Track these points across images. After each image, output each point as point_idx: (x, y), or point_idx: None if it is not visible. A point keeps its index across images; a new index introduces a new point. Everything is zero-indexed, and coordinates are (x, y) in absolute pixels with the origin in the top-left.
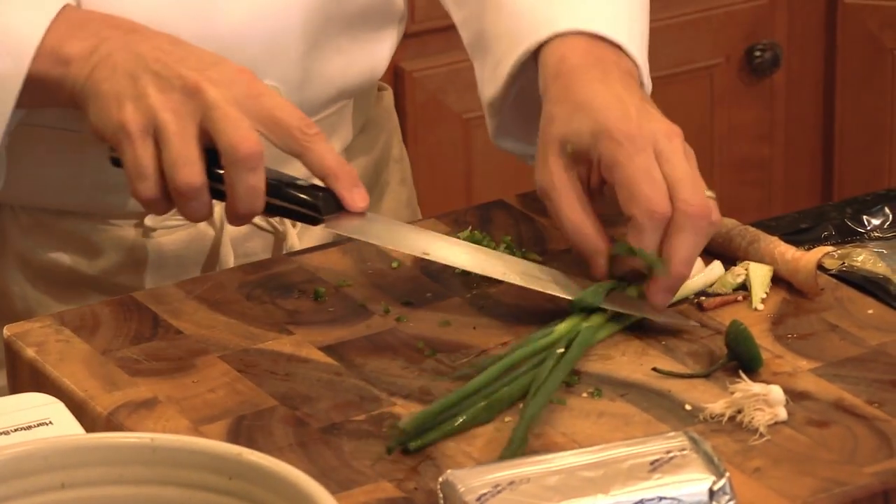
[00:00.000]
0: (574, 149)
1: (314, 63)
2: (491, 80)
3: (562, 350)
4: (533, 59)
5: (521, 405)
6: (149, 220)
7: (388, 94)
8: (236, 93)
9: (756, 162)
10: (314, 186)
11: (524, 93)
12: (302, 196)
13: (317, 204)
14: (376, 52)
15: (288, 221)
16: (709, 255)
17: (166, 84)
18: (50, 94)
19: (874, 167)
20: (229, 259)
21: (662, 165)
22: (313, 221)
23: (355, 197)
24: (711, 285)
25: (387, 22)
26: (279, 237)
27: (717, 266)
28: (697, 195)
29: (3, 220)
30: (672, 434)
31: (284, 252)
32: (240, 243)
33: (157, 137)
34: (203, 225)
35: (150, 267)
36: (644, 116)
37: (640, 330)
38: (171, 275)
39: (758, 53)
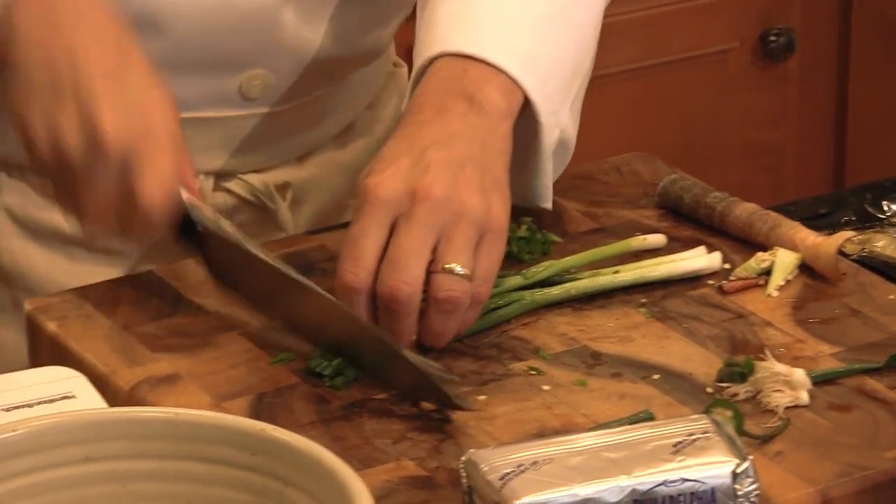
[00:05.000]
0: None
1: (306, 44)
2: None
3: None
4: None
5: None
6: None
7: (403, 72)
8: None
9: (768, 147)
10: None
11: None
12: None
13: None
14: (374, 30)
15: (278, 196)
16: (733, 240)
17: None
18: None
19: (887, 153)
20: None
21: (393, 235)
22: None
23: None
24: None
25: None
26: (269, 213)
27: (714, 257)
28: (392, 275)
29: None
30: (695, 416)
31: (277, 230)
32: (229, 217)
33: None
34: (188, 195)
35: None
36: (412, 175)
37: (661, 313)
38: (159, 240)
39: (772, 38)
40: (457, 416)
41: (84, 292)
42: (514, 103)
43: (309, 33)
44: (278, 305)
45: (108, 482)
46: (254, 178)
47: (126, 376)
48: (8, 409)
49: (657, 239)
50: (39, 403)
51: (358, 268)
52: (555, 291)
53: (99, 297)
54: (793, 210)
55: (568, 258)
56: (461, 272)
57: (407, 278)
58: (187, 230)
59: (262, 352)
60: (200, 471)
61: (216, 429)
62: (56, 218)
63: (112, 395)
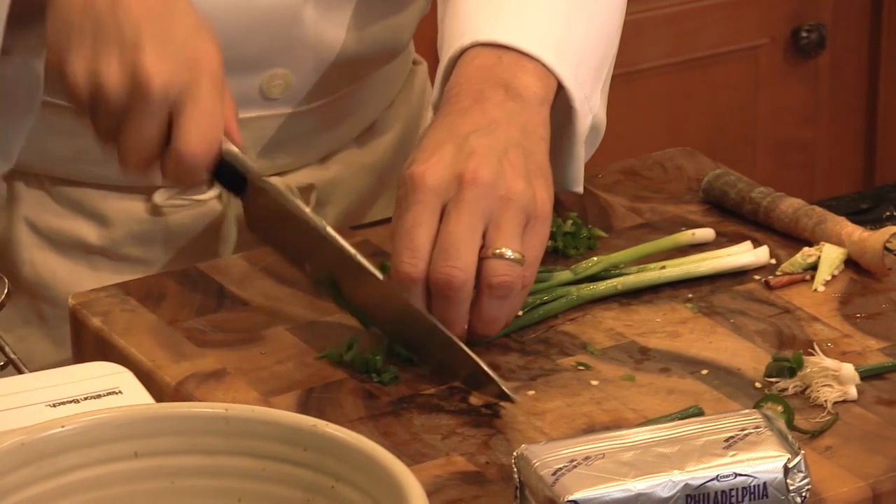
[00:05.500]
0: None
1: (327, 42)
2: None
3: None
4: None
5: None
6: (157, 197)
7: (423, 69)
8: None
9: (799, 144)
10: None
11: None
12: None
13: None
14: (395, 27)
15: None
16: (778, 235)
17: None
18: None
19: None
20: (231, 236)
21: (442, 222)
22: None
23: None
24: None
25: None
26: None
27: (762, 252)
28: (446, 262)
29: (15, 186)
30: (746, 412)
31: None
32: None
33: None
34: (213, 201)
35: (158, 240)
36: (457, 161)
37: (708, 308)
38: (181, 249)
39: (804, 34)
40: (505, 411)
41: (127, 287)
42: (549, 89)
43: (330, 31)
44: (316, 264)
45: (157, 478)
46: (277, 181)
47: (172, 372)
48: (54, 405)
49: (706, 233)
50: (86, 399)
51: (416, 258)
52: (601, 287)
53: (143, 291)
54: (834, 205)
55: (616, 253)
56: (512, 257)
57: (460, 264)
58: (227, 179)
59: (307, 347)
60: (251, 467)
61: (267, 424)
62: (76, 227)
63: (158, 390)
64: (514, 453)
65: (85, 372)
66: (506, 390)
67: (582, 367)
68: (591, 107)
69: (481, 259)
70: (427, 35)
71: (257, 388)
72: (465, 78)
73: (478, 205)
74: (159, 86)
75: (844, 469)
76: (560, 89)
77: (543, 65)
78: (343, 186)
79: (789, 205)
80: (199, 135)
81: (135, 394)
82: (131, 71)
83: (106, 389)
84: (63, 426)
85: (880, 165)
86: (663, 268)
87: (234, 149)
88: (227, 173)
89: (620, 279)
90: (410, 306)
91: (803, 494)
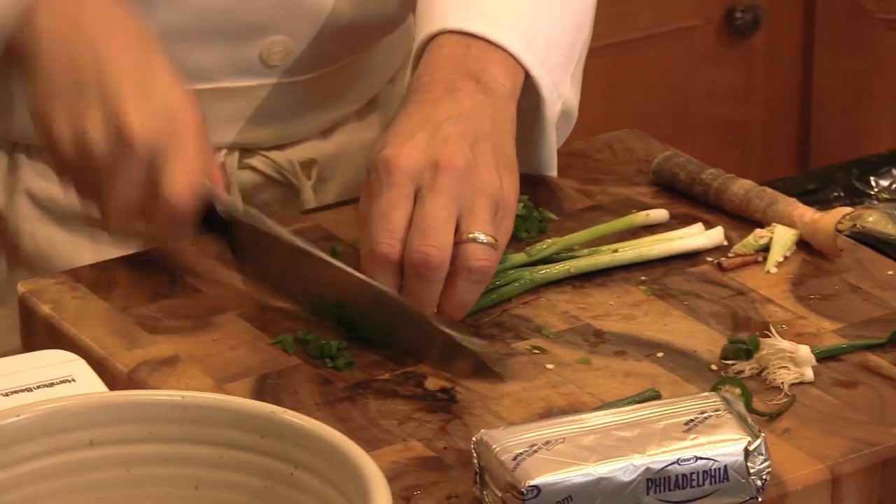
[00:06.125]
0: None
1: (325, 9)
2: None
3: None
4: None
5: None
6: None
7: None
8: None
9: (734, 124)
10: None
11: None
12: None
13: None
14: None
15: (303, 175)
16: (729, 216)
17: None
18: None
19: (852, 130)
20: (237, 204)
21: (417, 205)
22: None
23: None
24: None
25: None
26: (293, 191)
27: (716, 233)
28: (423, 241)
29: (17, 158)
30: (705, 395)
31: (301, 208)
32: (253, 194)
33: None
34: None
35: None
36: (431, 146)
37: (662, 290)
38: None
39: (738, 15)
40: (462, 395)
41: (77, 274)
42: (517, 81)
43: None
44: (300, 284)
45: (113, 467)
46: (278, 156)
47: (125, 359)
48: (7, 394)
49: (660, 214)
50: (39, 387)
51: (394, 239)
52: (554, 270)
53: (93, 278)
54: (781, 186)
55: (570, 235)
56: (487, 241)
57: (438, 244)
58: (211, 221)
59: (260, 333)
60: (208, 454)
61: (224, 411)
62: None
63: (111, 378)
64: (474, 438)
65: (37, 360)
66: (495, 368)
67: (537, 351)
68: (560, 93)
69: (457, 243)
70: None
71: (211, 374)
72: (435, 66)
73: (453, 189)
74: (143, 138)
75: (803, 451)
76: (529, 76)
77: (511, 54)
78: (345, 161)
79: (740, 186)
80: (186, 180)
81: (88, 382)
82: (115, 126)
83: (59, 378)
84: (18, 415)
85: (815, 145)
86: (616, 251)
87: (220, 192)
88: (212, 218)
89: (573, 262)
90: (386, 293)
91: (764, 477)
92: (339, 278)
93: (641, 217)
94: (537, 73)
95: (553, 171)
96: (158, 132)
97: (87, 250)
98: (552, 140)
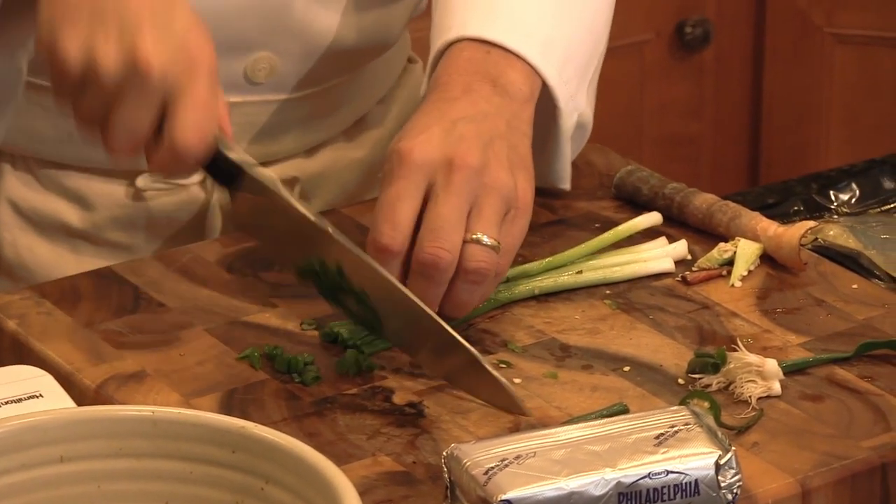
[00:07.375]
0: None
1: (314, 28)
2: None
3: None
4: None
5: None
6: (140, 181)
7: (418, 67)
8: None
9: (685, 138)
10: None
11: None
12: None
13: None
14: (386, 20)
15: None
16: (692, 230)
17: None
18: None
19: (802, 145)
20: (215, 224)
21: (428, 202)
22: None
23: None
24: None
25: None
26: None
27: (680, 245)
28: (433, 242)
29: (1, 167)
30: (674, 408)
31: None
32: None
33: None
34: (195, 187)
35: (140, 226)
36: (446, 143)
37: (626, 304)
38: (162, 235)
39: (689, 29)
40: (429, 410)
41: (42, 289)
42: (535, 87)
43: (319, 18)
44: (302, 254)
45: (84, 482)
46: (267, 172)
47: (92, 374)
48: None
49: (652, 218)
50: (7, 403)
51: (396, 231)
52: (517, 290)
53: (58, 293)
54: (741, 199)
55: (572, 250)
56: (489, 243)
57: (448, 245)
58: (218, 171)
59: (227, 348)
60: (178, 469)
61: (195, 426)
62: (59, 209)
63: (78, 393)
64: (444, 453)
65: (3, 376)
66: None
67: (504, 365)
68: (575, 105)
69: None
70: (423, 35)
71: (178, 389)
72: (455, 69)
73: (466, 188)
74: (158, 70)
75: (773, 465)
76: (545, 87)
77: (528, 63)
78: (329, 180)
79: (703, 200)
80: (196, 126)
81: (56, 397)
82: (130, 52)
83: (26, 393)
84: None
85: (765, 159)
86: (580, 272)
87: (228, 140)
88: (219, 165)
89: (537, 283)
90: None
91: (734, 491)
92: (344, 256)
93: (628, 227)
94: (554, 83)
95: (566, 184)
96: (174, 65)
97: (68, 260)
98: (567, 152)
